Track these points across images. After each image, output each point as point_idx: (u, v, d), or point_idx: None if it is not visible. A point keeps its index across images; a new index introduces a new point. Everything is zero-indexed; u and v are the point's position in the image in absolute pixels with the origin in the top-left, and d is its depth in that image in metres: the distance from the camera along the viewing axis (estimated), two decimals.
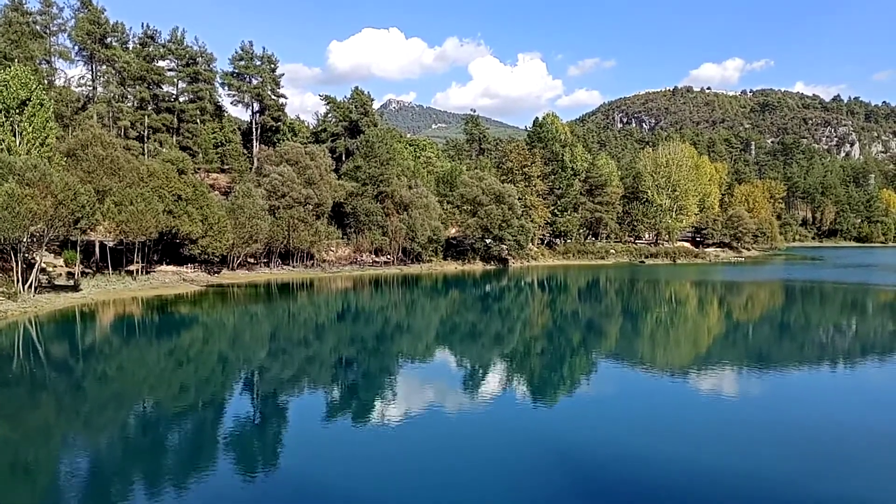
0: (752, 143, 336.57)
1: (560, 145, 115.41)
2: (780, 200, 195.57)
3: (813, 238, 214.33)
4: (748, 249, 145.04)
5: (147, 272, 63.99)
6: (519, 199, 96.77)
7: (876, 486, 17.23)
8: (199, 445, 20.69)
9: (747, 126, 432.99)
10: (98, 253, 63.41)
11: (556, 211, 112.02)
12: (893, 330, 46.24)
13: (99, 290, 54.16)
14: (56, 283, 54.59)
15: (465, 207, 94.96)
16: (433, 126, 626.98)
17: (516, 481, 17.43)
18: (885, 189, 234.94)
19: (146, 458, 19.28)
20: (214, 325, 44.87)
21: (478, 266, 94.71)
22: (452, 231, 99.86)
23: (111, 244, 62.64)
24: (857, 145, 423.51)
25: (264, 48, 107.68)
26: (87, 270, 60.10)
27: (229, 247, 68.94)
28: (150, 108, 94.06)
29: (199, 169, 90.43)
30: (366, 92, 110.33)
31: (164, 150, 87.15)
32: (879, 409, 25.07)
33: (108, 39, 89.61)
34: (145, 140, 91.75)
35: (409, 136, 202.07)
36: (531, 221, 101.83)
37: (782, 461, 18.80)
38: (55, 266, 58.58)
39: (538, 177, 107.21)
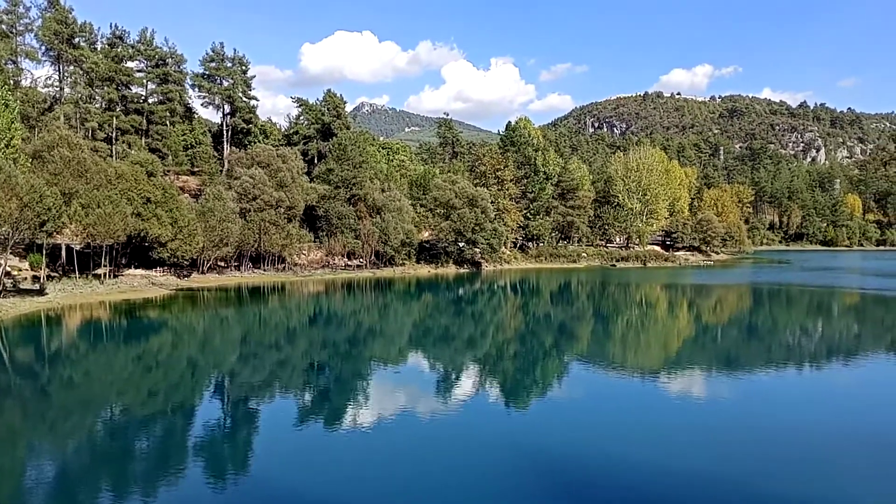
0: (721, 148, 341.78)
1: (532, 149, 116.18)
2: (748, 205, 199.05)
3: (780, 242, 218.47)
4: (717, 253, 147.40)
5: (115, 276, 63.01)
6: (492, 202, 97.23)
7: (847, 487, 17.61)
8: (167, 452, 20.40)
9: (716, 131, 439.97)
10: (64, 256, 62.26)
11: (528, 214, 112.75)
12: (858, 332, 47.33)
13: (65, 295, 53.16)
14: (21, 286, 53.48)
15: (438, 211, 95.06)
16: (406, 129, 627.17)
17: (488, 485, 17.48)
18: (849, 194, 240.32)
19: (114, 465, 18.98)
20: (184, 329, 44.30)
21: (451, 269, 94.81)
22: (425, 234, 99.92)
23: (78, 247, 61.50)
24: (822, 151, 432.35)
25: (235, 50, 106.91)
26: (53, 274, 58.99)
27: (199, 250, 68.22)
28: (118, 109, 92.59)
29: (168, 171, 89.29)
30: (338, 94, 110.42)
31: (132, 151, 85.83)
32: (849, 410, 25.69)
33: (76, 39, 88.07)
34: (113, 142, 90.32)
35: (381, 139, 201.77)
36: (504, 225, 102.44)
37: (754, 462, 19.08)
38: (20, 270, 57.40)
39: (511, 181, 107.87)
